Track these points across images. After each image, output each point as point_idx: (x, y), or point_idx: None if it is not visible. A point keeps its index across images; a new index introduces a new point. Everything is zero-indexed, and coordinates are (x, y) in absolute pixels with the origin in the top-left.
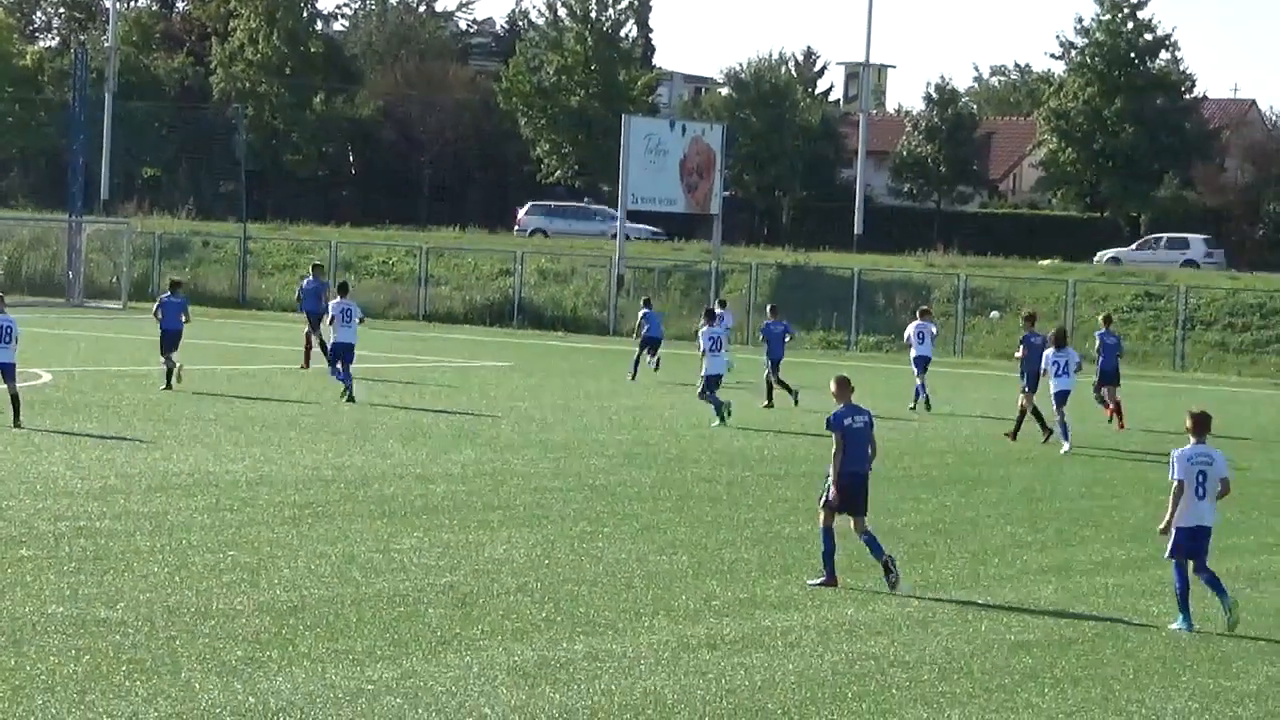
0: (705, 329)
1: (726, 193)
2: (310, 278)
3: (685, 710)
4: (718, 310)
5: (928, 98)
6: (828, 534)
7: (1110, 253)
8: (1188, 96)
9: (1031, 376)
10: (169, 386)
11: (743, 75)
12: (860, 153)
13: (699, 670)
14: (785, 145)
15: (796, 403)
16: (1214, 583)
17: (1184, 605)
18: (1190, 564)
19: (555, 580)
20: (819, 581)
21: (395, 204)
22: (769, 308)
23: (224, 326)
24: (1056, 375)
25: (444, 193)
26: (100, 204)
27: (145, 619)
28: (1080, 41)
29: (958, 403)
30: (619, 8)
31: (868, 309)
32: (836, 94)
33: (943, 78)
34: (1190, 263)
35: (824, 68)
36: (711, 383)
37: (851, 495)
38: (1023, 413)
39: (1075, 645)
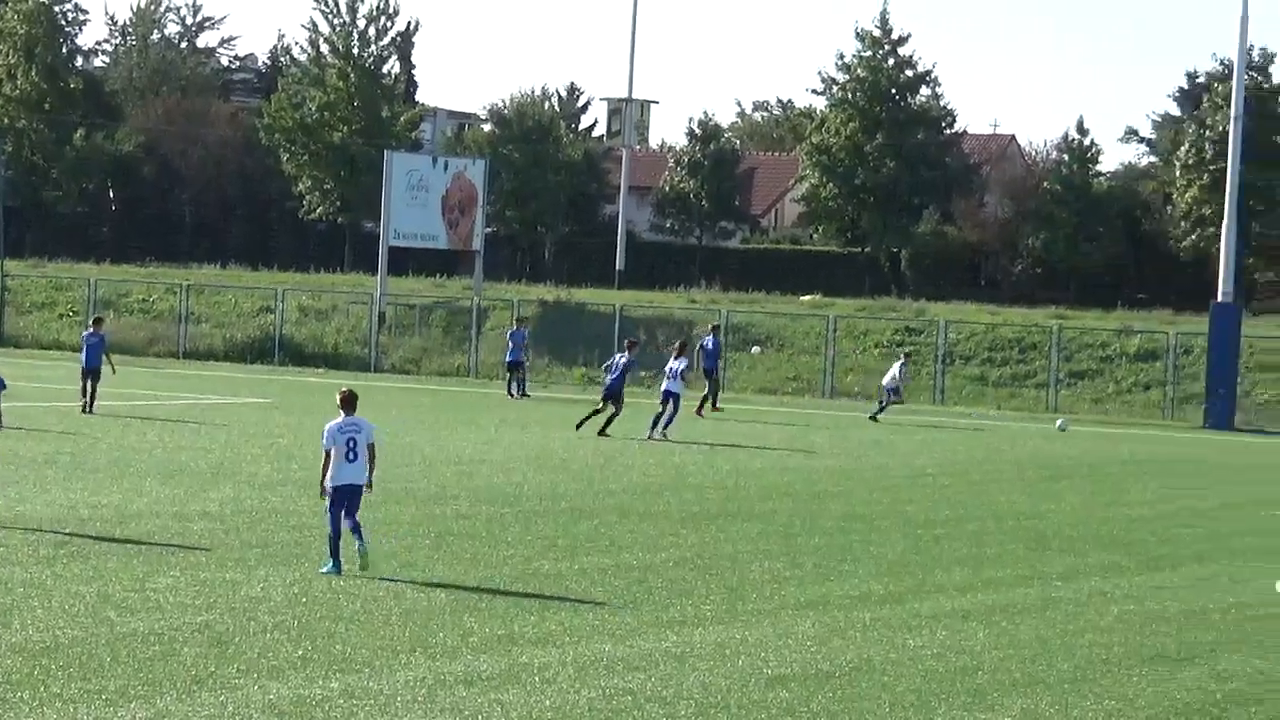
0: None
1: (489, 229)
2: (90, 330)
3: None
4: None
5: (690, 133)
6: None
7: None
8: (948, 132)
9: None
10: None
11: (505, 111)
12: (623, 188)
13: (455, 708)
14: (548, 181)
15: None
16: (357, 530)
17: (335, 552)
18: (343, 514)
19: (312, 618)
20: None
21: (156, 241)
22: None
23: None
24: (670, 379)
25: (205, 229)
26: None
27: None
28: (842, 77)
29: (718, 438)
30: (382, 44)
31: None
32: (600, 130)
33: (705, 113)
34: None
35: (587, 103)
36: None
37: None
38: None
39: (832, 679)
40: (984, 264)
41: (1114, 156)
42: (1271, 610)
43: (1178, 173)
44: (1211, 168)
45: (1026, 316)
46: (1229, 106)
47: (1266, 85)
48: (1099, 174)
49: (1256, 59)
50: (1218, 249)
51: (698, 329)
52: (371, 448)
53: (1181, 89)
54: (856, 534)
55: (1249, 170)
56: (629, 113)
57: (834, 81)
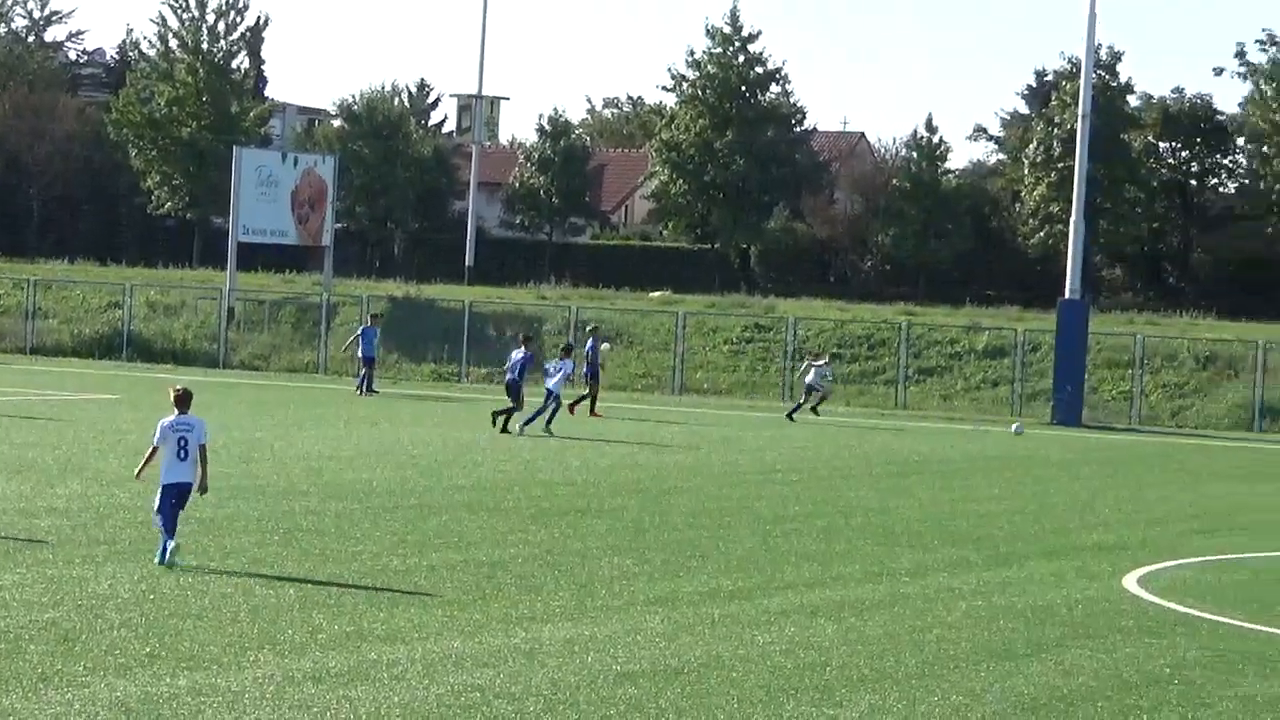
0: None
1: (339, 225)
2: None
3: None
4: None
5: (540, 130)
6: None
7: None
8: (798, 129)
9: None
10: None
11: (356, 107)
12: (472, 184)
13: (304, 704)
14: (398, 177)
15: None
16: (170, 526)
17: (171, 534)
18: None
19: (160, 615)
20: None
21: (2, 236)
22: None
23: None
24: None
25: (52, 224)
26: None
27: None
28: (692, 74)
29: (570, 434)
30: (231, 39)
31: (478, 341)
32: (450, 126)
33: (556, 110)
34: None
35: (437, 100)
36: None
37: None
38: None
39: (681, 675)
40: (833, 261)
41: (963, 154)
42: (1117, 605)
43: (1026, 170)
44: (1059, 165)
45: (875, 313)
46: (1077, 104)
47: (1114, 83)
48: (948, 171)
49: (1104, 57)
50: (1065, 246)
51: (547, 325)
52: (203, 448)
53: (1030, 87)
54: (706, 530)
55: (1096, 168)
56: (479, 109)
57: (684, 78)
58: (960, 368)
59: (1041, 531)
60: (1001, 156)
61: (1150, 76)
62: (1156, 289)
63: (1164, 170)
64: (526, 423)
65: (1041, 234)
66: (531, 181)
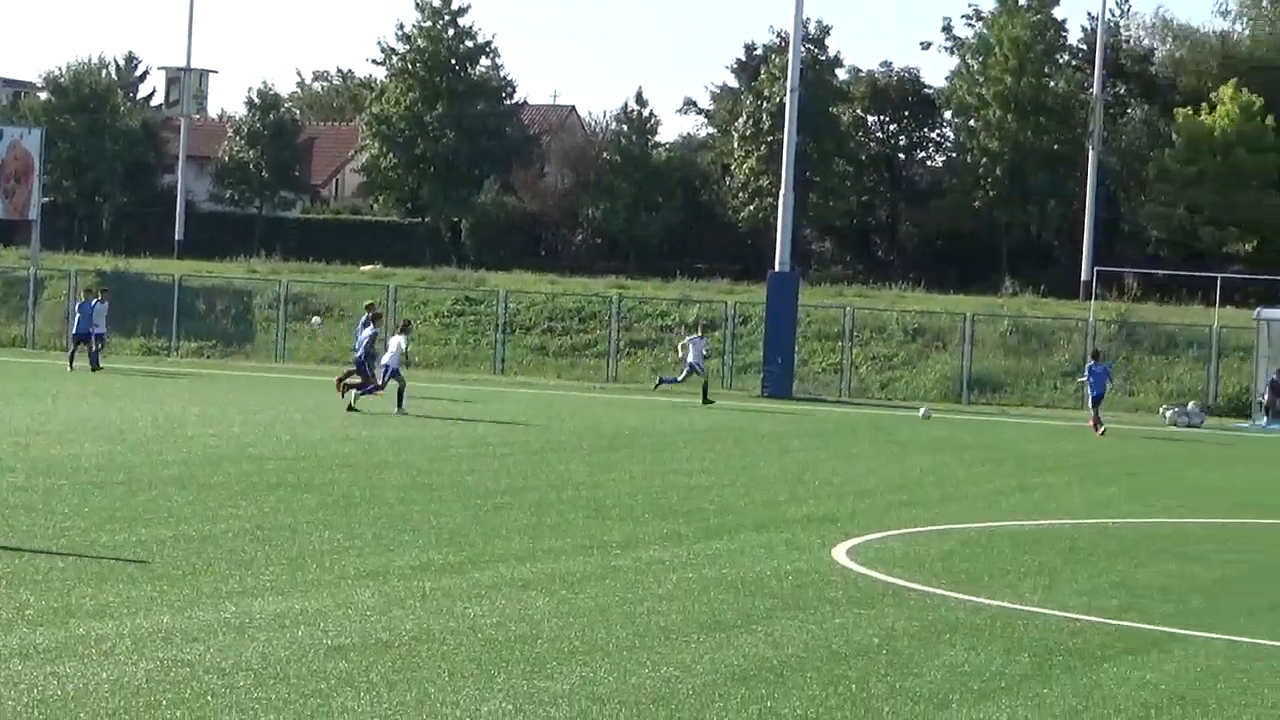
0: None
1: (46, 198)
2: None
3: None
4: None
5: (250, 103)
6: None
7: None
8: (508, 103)
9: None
10: None
11: (62, 79)
12: (181, 158)
13: (10, 681)
14: (105, 150)
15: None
16: None
17: None
18: None
19: None
20: None
21: None
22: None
23: None
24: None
25: None
26: None
27: None
28: (401, 48)
29: (279, 409)
30: None
31: (189, 315)
32: (158, 99)
33: (265, 83)
34: None
35: (145, 72)
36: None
37: None
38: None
39: (392, 649)
40: (544, 234)
41: (673, 127)
42: (827, 577)
43: (736, 144)
44: (769, 139)
45: (586, 286)
46: (786, 78)
47: (823, 57)
48: (658, 145)
49: (813, 31)
50: (775, 219)
51: (257, 299)
52: None
53: (739, 61)
54: (417, 504)
55: (805, 142)
56: (187, 82)
57: (394, 52)
58: (671, 340)
59: (752, 504)
60: (712, 130)
61: (859, 51)
62: (866, 262)
63: (872, 144)
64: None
65: (751, 207)
66: (241, 155)
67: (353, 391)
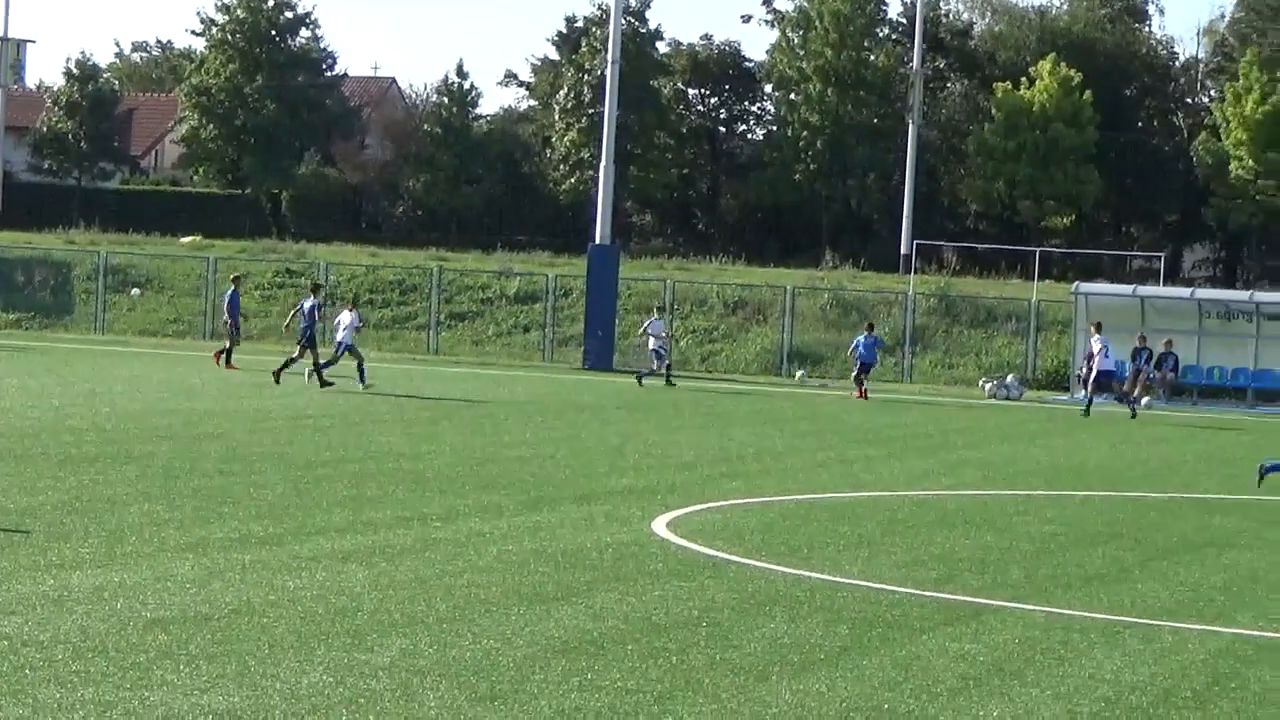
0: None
1: None
2: None
3: None
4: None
5: (68, 73)
6: None
7: None
8: (329, 74)
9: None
10: None
11: None
12: None
13: None
14: None
15: None
16: None
17: None
18: None
19: None
20: None
21: None
22: None
23: None
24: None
25: None
26: None
27: None
28: (221, 19)
29: (99, 380)
30: None
31: (7, 287)
32: None
33: (84, 53)
34: None
35: None
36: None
37: None
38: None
39: (211, 621)
40: (365, 206)
41: (494, 100)
42: (647, 549)
43: (557, 116)
44: (590, 111)
45: (407, 258)
46: (606, 51)
47: (644, 30)
48: (479, 117)
49: (634, 4)
50: (596, 192)
51: (76, 270)
52: None
53: (560, 33)
54: (237, 476)
55: (626, 114)
56: (4, 52)
57: (213, 23)
58: (492, 313)
59: (572, 476)
60: (533, 103)
61: (679, 24)
62: (686, 235)
63: (693, 117)
64: (361, 377)
65: (572, 180)
66: (59, 126)
67: (318, 376)
